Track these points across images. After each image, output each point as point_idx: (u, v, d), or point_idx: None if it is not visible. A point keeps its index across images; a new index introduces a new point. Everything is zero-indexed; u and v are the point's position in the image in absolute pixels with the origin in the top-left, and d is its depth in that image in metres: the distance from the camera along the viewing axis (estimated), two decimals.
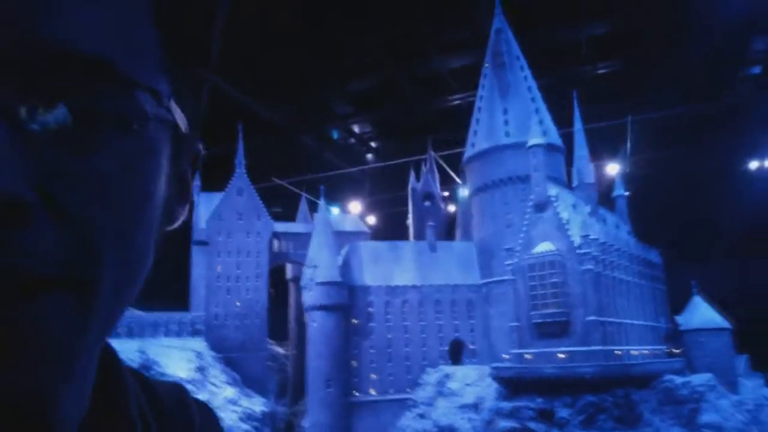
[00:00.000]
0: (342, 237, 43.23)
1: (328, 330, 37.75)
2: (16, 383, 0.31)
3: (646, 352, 33.81)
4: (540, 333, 31.66)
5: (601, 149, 44.74)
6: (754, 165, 50.78)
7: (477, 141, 43.04)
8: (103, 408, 0.43)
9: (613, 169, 46.02)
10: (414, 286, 40.31)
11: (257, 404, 37.45)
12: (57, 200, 0.33)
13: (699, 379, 33.30)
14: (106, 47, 0.36)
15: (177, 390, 0.56)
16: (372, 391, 38.87)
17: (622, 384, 29.41)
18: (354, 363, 38.64)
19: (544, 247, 32.09)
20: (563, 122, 42.90)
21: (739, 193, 52.33)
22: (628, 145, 49.37)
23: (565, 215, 32.37)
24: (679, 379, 32.30)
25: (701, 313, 36.86)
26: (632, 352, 32.37)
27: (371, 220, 55.84)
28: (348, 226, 45.64)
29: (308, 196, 50.72)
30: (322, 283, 37.73)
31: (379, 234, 51.41)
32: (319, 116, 61.48)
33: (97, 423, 0.42)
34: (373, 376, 39.11)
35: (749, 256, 52.25)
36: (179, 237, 38.82)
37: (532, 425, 29.41)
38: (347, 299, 38.49)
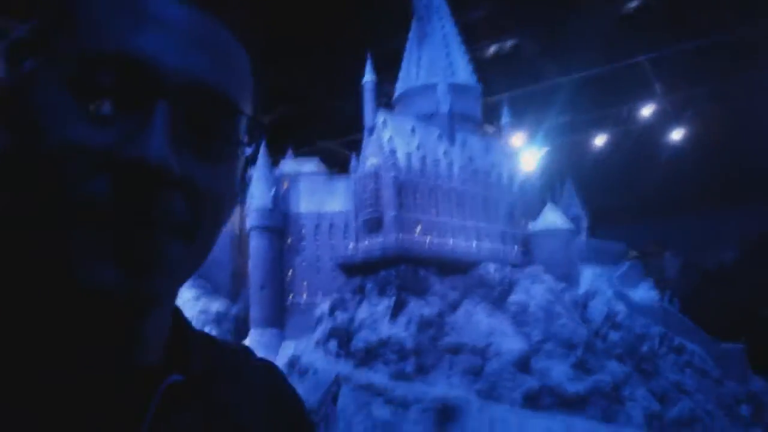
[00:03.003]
0: (306, 177, 52.46)
1: (263, 247, 48.01)
2: (145, 283, 0.48)
3: (474, 245, 39.05)
4: (366, 229, 39.02)
5: None
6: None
7: (398, 87, 50.15)
8: (171, 360, 0.54)
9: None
10: (341, 212, 48.89)
11: (214, 304, 48.92)
12: (189, 185, 0.51)
13: (523, 270, 38.03)
14: (233, 88, 0.55)
15: (243, 348, 0.68)
16: (303, 295, 48.47)
17: (410, 262, 35.79)
18: (289, 273, 48.42)
19: (369, 161, 39.34)
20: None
21: None
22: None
23: (386, 136, 39.04)
24: (492, 267, 37.41)
25: (548, 218, 40.86)
26: (449, 243, 38.08)
27: None
28: (306, 168, 55.27)
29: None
30: (256, 209, 48.08)
31: None
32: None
33: (164, 373, 0.52)
34: (304, 283, 48.67)
35: None
36: None
37: (347, 297, 37.34)
38: (281, 223, 48.31)
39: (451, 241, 38.73)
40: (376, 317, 35.34)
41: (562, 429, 29.82)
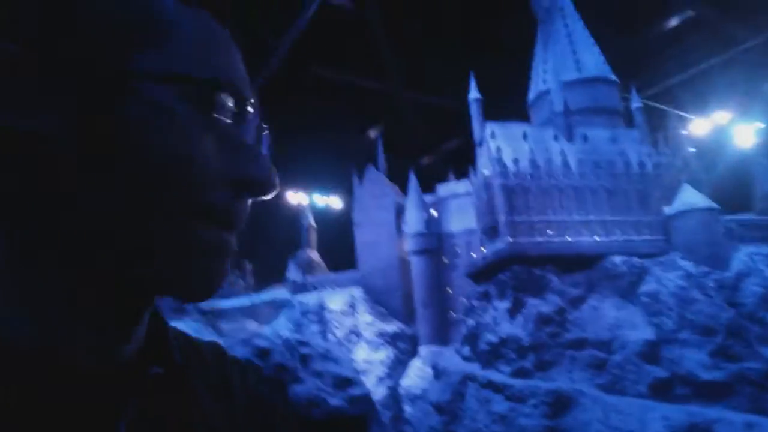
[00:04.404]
0: (457, 198, 56.69)
1: (422, 268, 52.71)
2: (213, 280, 0.51)
3: (597, 239, 38.80)
4: (487, 237, 41.27)
5: None
6: None
7: (530, 94, 51.85)
8: (152, 353, 0.55)
9: None
10: None
11: (390, 326, 55.06)
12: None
13: (655, 258, 36.99)
14: (243, 84, 0.56)
15: (215, 345, 0.68)
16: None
17: (524, 263, 37.22)
18: (449, 290, 52.43)
19: (481, 173, 41.86)
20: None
21: None
22: None
23: (494, 146, 41.16)
24: (618, 259, 36.98)
25: (684, 198, 38.62)
26: (568, 239, 38.52)
27: None
28: (461, 190, 59.42)
29: None
30: (412, 234, 53.24)
31: None
32: None
33: (147, 363, 0.53)
34: (461, 298, 52.34)
35: None
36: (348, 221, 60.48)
37: (475, 303, 40.05)
38: (435, 244, 52.66)
39: (570, 237, 38.65)
40: (497, 319, 36.97)
41: (681, 417, 28.06)
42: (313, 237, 71.30)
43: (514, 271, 37.07)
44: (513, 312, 36.48)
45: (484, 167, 41.45)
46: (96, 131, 0.46)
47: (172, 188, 0.48)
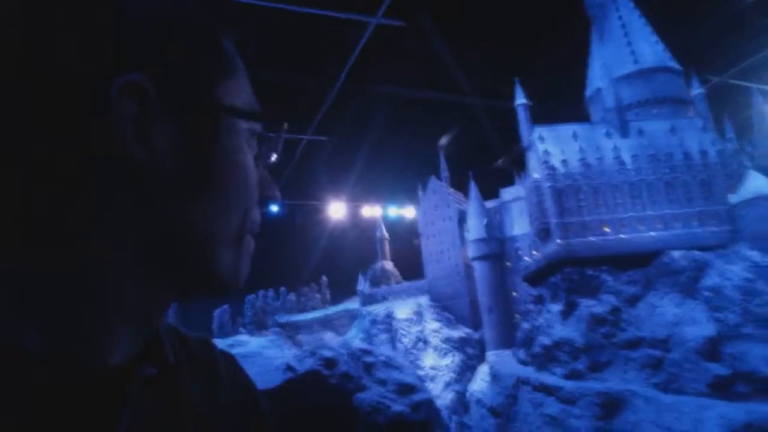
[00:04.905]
0: (519, 201, 56.20)
1: (485, 273, 52.56)
2: (243, 275, 0.58)
3: (651, 233, 37.55)
4: (540, 240, 40.87)
5: None
6: None
7: (587, 91, 51.06)
8: (146, 351, 0.55)
9: None
10: None
11: (456, 332, 55.49)
12: None
13: (717, 250, 35.45)
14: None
15: (204, 341, 0.69)
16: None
17: (575, 264, 36.65)
18: (514, 294, 51.98)
19: (531, 176, 41.64)
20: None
21: None
22: None
23: (542, 149, 40.69)
24: (677, 253, 35.68)
25: (751, 185, 36.61)
26: (621, 236, 37.54)
27: None
28: (523, 193, 59.12)
29: None
30: (473, 241, 53.38)
31: None
32: None
33: (142, 362, 0.53)
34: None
35: None
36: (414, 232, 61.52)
37: (530, 306, 39.84)
38: (497, 249, 52.44)
39: (625, 235, 37.49)
40: (550, 322, 36.47)
41: (739, 415, 26.52)
42: (387, 248, 72.69)
43: (566, 273, 36.47)
44: (566, 314, 35.86)
45: (534, 171, 41.03)
46: (199, 158, 0.52)
47: (238, 207, 0.55)
